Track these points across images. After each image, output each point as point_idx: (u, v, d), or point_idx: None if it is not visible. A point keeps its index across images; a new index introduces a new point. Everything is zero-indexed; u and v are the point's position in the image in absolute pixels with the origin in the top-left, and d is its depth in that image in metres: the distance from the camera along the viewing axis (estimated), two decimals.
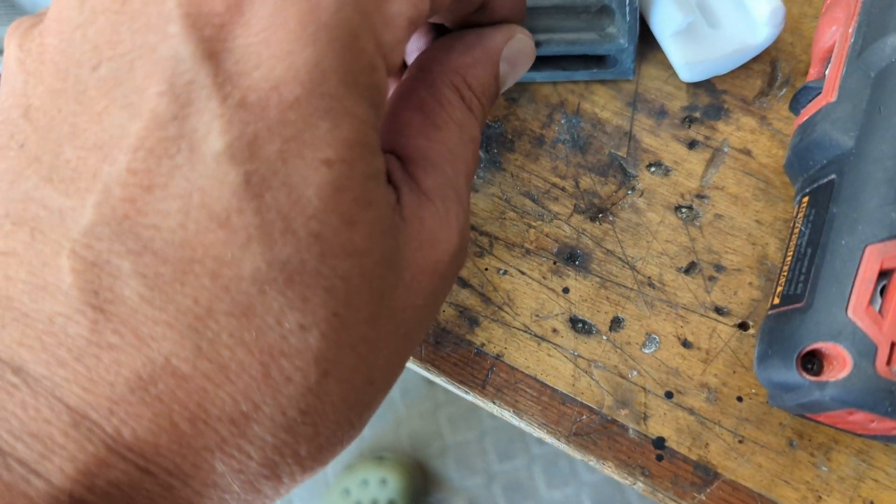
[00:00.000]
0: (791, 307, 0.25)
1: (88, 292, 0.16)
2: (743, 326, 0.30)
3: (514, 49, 0.26)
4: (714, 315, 0.30)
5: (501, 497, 1.28)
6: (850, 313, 0.23)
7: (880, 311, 0.23)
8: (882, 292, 0.23)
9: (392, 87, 0.29)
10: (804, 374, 0.23)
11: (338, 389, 0.18)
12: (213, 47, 0.16)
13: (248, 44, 0.16)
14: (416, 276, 0.20)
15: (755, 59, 0.33)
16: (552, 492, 1.27)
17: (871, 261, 0.23)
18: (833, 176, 0.25)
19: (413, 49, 0.29)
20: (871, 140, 0.24)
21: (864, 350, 0.22)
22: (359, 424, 0.20)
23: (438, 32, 0.29)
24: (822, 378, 0.23)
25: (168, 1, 0.16)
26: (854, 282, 0.23)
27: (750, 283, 0.31)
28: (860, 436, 0.26)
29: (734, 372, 0.30)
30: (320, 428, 0.19)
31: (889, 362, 0.22)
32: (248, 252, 0.16)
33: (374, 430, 1.32)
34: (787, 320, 0.25)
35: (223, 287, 0.16)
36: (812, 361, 0.24)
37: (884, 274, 0.23)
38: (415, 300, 0.20)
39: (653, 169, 0.32)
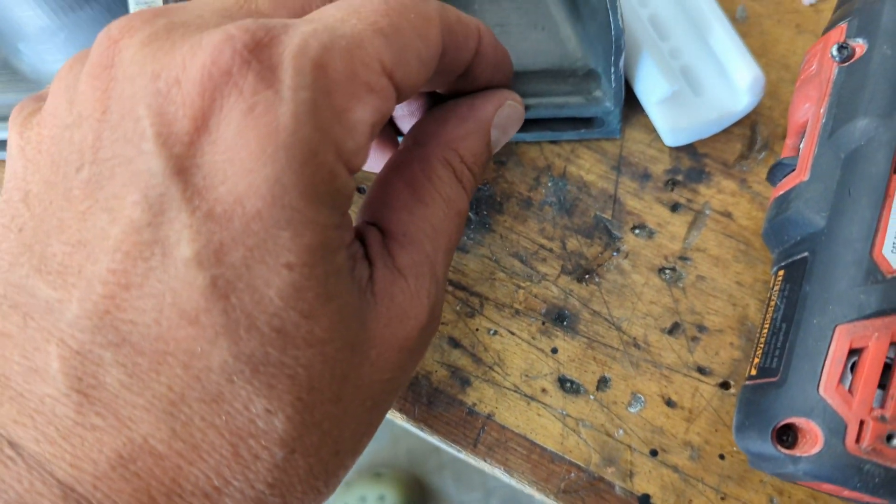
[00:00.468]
0: (767, 380, 0.26)
1: (73, 378, 0.18)
2: (724, 386, 0.31)
3: (504, 115, 0.27)
4: (697, 375, 0.32)
5: None
6: (821, 391, 0.24)
7: (850, 389, 0.24)
8: (853, 368, 0.24)
9: (384, 156, 0.30)
10: (779, 447, 0.24)
11: (304, 463, 0.20)
12: (182, 164, 0.18)
13: (214, 161, 0.18)
14: (383, 353, 0.22)
15: (735, 123, 0.34)
16: None
17: (841, 340, 0.24)
18: (806, 253, 0.26)
19: (405, 113, 0.30)
20: (841, 222, 0.25)
21: (835, 427, 0.23)
22: (326, 490, 0.22)
23: (431, 99, 0.30)
24: (796, 452, 0.24)
25: (142, 119, 0.18)
26: (825, 360, 0.24)
27: (731, 344, 0.32)
28: (837, 497, 0.27)
29: (716, 430, 0.31)
30: (288, 498, 0.20)
31: (858, 440, 0.23)
32: (216, 347, 0.18)
33: (372, 446, 1.32)
34: (763, 393, 0.26)
35: (194, 377, 0.18)
36: (787, 434, 0.25)
37: (853, 352, 0.24)
38: (381, 375, 0.22)
39: (637, 231, 0.33)
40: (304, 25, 0.19)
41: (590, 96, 0.33)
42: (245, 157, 0.18)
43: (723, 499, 0.30)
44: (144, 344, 0.18)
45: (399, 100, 0.22)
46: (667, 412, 0.31)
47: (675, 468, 0.31)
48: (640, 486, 0.31)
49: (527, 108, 0.32)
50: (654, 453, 0.31)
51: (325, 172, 0.19)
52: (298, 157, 0.18)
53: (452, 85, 0.27)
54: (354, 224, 0.25)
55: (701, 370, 0.32)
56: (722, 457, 0.31)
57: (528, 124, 0.34)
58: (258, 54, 0.18)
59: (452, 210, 0.25)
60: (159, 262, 0.18)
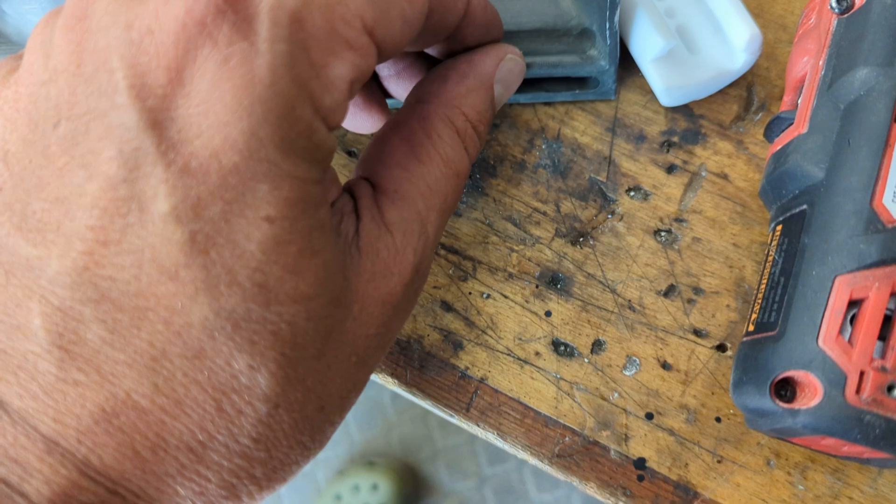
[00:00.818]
0: (765, 335, 0.25)
1: (55, 334, 0.18)
2: (721, 348, 0.31)
3: (506, 70, 0.27)
4: (693, 337, 0.31)
5: (492, 500, 1.29)
6: (820, 342, 0.23)
7: (850, 340, 0.23)
8: (852, 321, 0.24)
9: (370, 116, 0.29)
10: (777, 401, 0.24)
11: (288, 418, 0.20)
12: (156, 116, 0.17)
13: (189, 114, 0.17)
14: (367, 308, 0.22)
15: (731, 84, 0.33)
16: (542, 495, 1.28)
17: (841, 291, 0.23)
18: (805, 206, 0.26)
19: (392, 74, 0.29)
20: (840, 172, 0.25)
21: (835, 379, 0.23)
22: (313, 445, 0.22)
23: (421, 60, 0.30)
24: (795, 405, 0.24)
25: (115, 71, 0.18)
26: (825, 312, 0.24)
27: (727, 306, 0.31)
28: (835, 456, 0.27)
29: (713, 393, 0.30)
30: (273, 452, 0.20)
31: (858, 391, 0.23)
32: (197, 302, 0.18)
33: (365, 435, 1.32)
34: (760, 348, 0.25)
35: (175, 332, 0.18)
36: (785, 388, 0.24)
37: (853, 303, 0.24)
38: (366, 330, 0.22)
39: (632, 193, 0.33)
40: None
41: (584, 55, 0.32)
42: (220, 109, 0.17)
43: (719, 461, 0.30)
44: (124, 300, 0.18)
45: (381, 59, 0.21)
46: (662, 375, 0.31)
47: (670, 431, 0.30)
48: (636, 449, 0.30)
49: None
50: (649, 416, 0.30)
51: (303, 126, 0.19)
52: (275, 111, 0.18)
53: (441, 46, 0.27)
54: (349, 179, 0.24)
55: (697, 332, 0.31)
56: (718, 419, 0.30)
57: (522, 85, 0.34)
58: (234, 4, 0.18)
59: (451, 170, 0.24)
60: (136, 217, 0.18)
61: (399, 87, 0.29)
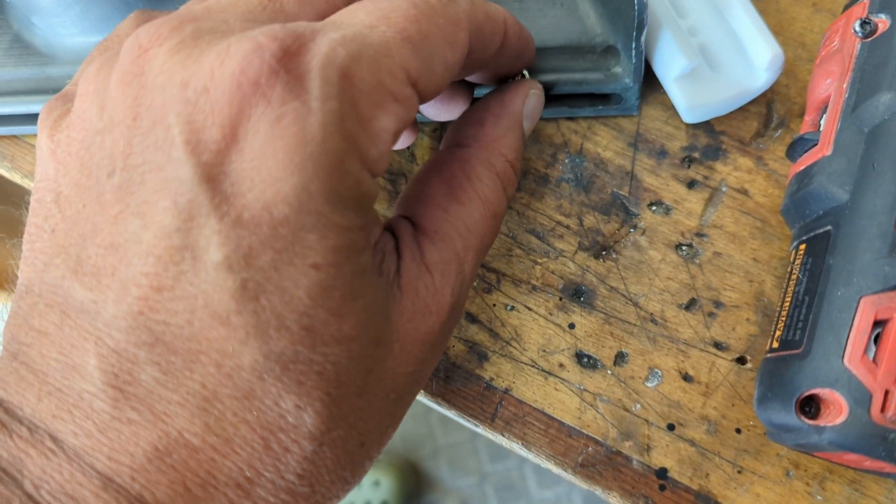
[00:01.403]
0: (790, 352, 0.26)
1: (110, 374, 0.19)
2: (741, 361, 0.32)
3: (531, 106, 0.29)
4: (713, 350, 0.32)
5: (494, 497, 1.30)
6: (846, 361, 0.24)
7: (874, 359, 0.24)
8: (876, 340, 0.24)
9: (453, 105, 0.30)
10: (803, 417, 0.25)
11: (331, 455, 0.21)
12: (210, 171, 0.18)
13: (242, 169, 0.18)
14: (406, 347, 0.22)
15: (751, 101, 0.34)
16: (543, 491, 1.29)
17: (866, 312, 0.24)
18: (829, 227, 0.26)
19: (440, 99, 0.30)
20: (866, 195, 0.25)
21: (860, 397, 0.24)
22: (353, 479, 0.23)
23: (460, 83, 0.30)
24: (820, 422, 0.24)
25: (172, 127, 0.18)
26: (850, 331, 0.24)
27: (747, 319, 0.32)
28: (855, 469, 0.28)
29: (733, 405, 0.31)
30: (316, 487, 0.21)
31: (883, 409, 0.23)
32: (247, 346, 0.19)
33: None
34: (786, 365, 0.26)
35: (226, 375, 0.19)
36: (810, 405, 0.25)
37: (878, 323, 0.24)
38: (404, 368, 0.23)
39: (654, 208, 0.34)
40: (332, 32, 0.19)
41: (608, 72, 0.33)
42: (272, 166, 0.18)
43: (739, 472, 0.31)
44: (178, 343, 0.19)
45: (423, 102, 0.22)
46: (684, 387, 0.32)
47: (692, 442, 0.31)
48: (658, 459, 0.31)
49: (545, 84, 0.32)
50: (671, 427, 0.31)
51: (351, 180, 0.19)
52: (325, 167, 0.18)
53: (477, 75, 0.28)
54: (391, 217, 0.25)
55: (717, 345, 0.32)
56: (739, 431, 0.31)
57: (547, 101, 0.34)
58: (286, 63, 0.18)
59: (489, 212, 0.25)
60: (190, 265, 0.18)
61: (431, 108, 0.30)
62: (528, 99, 0.28)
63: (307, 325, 0.19)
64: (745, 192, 0.33)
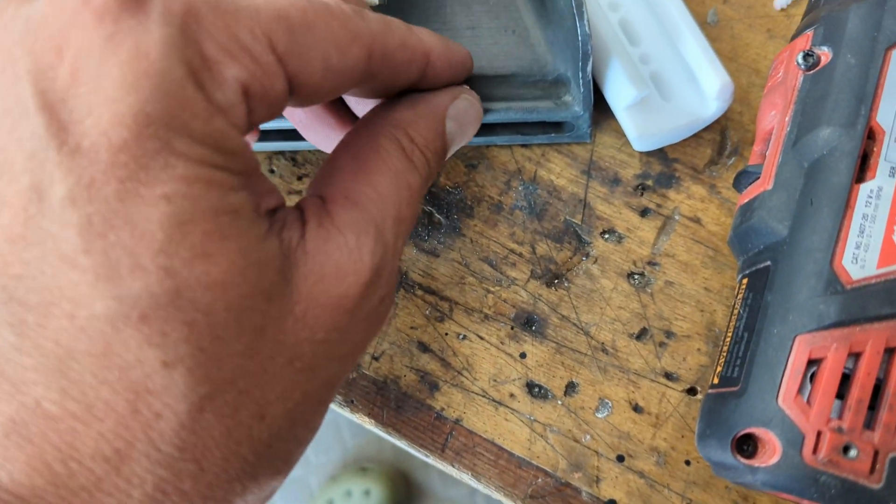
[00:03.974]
0: (728, 389, 0.26)
1: None
2: (691, 392, 0.31)
3: (460, 108, 0.27)
4: (664, 380, 0.32)
5: None
6: (780, 401, 0.24)
7: (808, 399, 0.24)
8: (812, 378, 0.24)
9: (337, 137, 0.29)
10: (738, 456, 0.24)
11: (218, 425, 0.19)
12: (48, 99, 0.17)
13: (79, 93, 0.17)
14: (312, 309, 0.20)
15: (705, 128, 0.34)
16: None
17: (801, 351, 0.24)
18: (769, 262, 0.26)
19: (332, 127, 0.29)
20: (803, 231, 0.25)
21: (793, 438, 0.23)
22: (256, 460, 0.20)
23: None
24: (755, 462, 0.24)
25: (18, 60, 0.17)
26: (784, 370, 0.24)
27: (698, 350, 0.32)
28: None
29: (682, 436, 0.31)
30: (204, 464, 0.19)
31: (815, 451, 0.23)
32: (98, 290, 0.17)
33: (358, 440, 1.32)
34: (724, 402, 0.26)
35: (79, 328, 0.17)
36: (747, 443, 0.25)
37: (813, 362, 0.24)
38: (312, 333, 0.20)
39: (606, 236, 0.33)
40: None
41: (559, 101, 0.33)
42: (108, 86, 0.17)
43: None
44: (30, 297, 0.17)
45: (302, 96, 0.21)
46: (634, 418, 0.31)
47: (641, 474, 0.31)
48: (607, 491, 0.31)
49: (496, 111, 0.32)
50: (620, 459, 0.31)
51: (196, 109, 0.18)
52: (163, 87, 0.17)
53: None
54: (299, 199, 0.24)
55: (668, 376, 0.32)
56: (688, 462, 0.31)
57: (499, 128, 0.34)
58: None
59: (401, 181, 0.24)
60: (37, 207, 0.17)
61: (319, 126, 0.29)
62: (456, 100, 0.26)
63: (165, 265, 0.17)
64: (697, 220, 0.33)
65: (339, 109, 0.29)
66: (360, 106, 0.29)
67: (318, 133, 0.29)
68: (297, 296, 0.20)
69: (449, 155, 0.27)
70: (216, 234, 0.18)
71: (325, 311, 0.21)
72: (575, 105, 0.32)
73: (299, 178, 0.35)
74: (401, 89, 0.25)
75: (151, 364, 0.17)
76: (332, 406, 0.34)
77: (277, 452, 0.21)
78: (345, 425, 1.33)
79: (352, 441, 1.32)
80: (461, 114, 0.27)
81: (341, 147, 0.25)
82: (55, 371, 0.17)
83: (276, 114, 0.21)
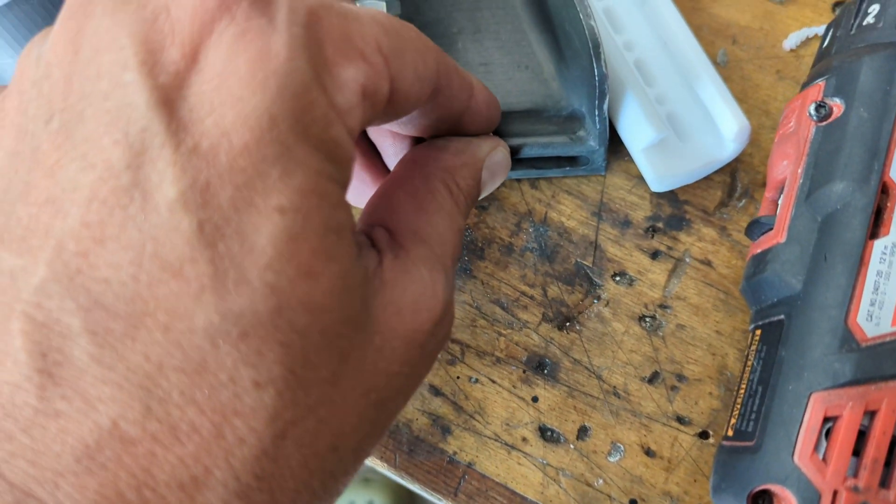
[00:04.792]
0: (743, 443, 0.26)
1: (37, 355, 0.16)
2: (703, 436, 0.32)
3: (495, 160, 0.27)
4: (676, 424, 0.32)
5: None
6: (796, 459, 0.24)
7: (824, 457, 0.24)
8: (827, 434, 0.24)
9: (373, 188, 0.29)
10: None
11: (297, 454, 0.18)
12: (168, 95, 0.16)
13: (202, 91, 0.16)
14: (391, 342, 0.20)
15: (716, 171, 0.34)
16: None
17: (816, 409, 0.24)
18: (783, 316, 0.26)
19: (395, 152, 0.30)
20: (817, 287, 0.25)
21: (809, 497, 0.24)
22: (324, 494, 0.19)
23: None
24: None
25: (125, 48, 0.16)
26: (800, 428, 0.24)
27: (710, 393, 0.32)
28: None
29: (695, 480, 0.31)
30: (277, 495, 0.17)
31: None
32: (201, 303, 0.16)
33: None
34: (738, 457, 0.26)
35: (175, 342, 0.16)
36: (763, 498, 0.25)
37: (828, 419, 0.24)
38: (388, 366, 0.20)
39: (617, 279, 0.33)
40: None
41: (574, 136, 0.33)
42: (234, 84, 0.16)
43: None
44: (119, 305, 0.15)
45: (394, 106, 0.21)
46: (646, 462, 0.32)
47: None
48: None
49: (512, 148, 0.32)
50: (633, 503, 0.31)
51: (318, 113, 0.17)
52: (290, 88, 0.17)
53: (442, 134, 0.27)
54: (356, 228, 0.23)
55: (680, 419, 0.32)
56: None
57: (514, 162, 0.34)
58: None
59: (454, 223, 0.24)
60: (139, 207, 0.16)
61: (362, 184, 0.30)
62: (494, 151, 0.27)
63: (271, 283, 0.16)
64: (708, 262, 0.33)
65: (374, 161, 0.30)
66: (394, 153, 0.29)
67: (353, 188, 0.29)
68: (377, 326, 0.19)
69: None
70: (323, 253, 0.17)
71: (401, 343, 0.20)
72: (590, 140, 0.32)
73: None
74: (449, 122, 0.26)
75: (244, 384, 0.16)
76: None
77: (338, 484, 0.20)
78: None
79: None
80: (495, 165, 0.27)
81: (394, 181, 0.24)
82: (140, 388, 0.16)
83: (376, 122, 0.21)
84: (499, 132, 0.33)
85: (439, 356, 0.33)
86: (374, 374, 0.19)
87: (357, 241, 0.20)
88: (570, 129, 0.33)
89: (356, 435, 0.19)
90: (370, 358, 0.19)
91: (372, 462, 0.33)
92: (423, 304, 0.21)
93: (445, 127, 0.26)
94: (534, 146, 0.33)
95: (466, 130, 0.27)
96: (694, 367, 0.32)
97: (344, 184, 0.19)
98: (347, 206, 0.19)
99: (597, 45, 0.29)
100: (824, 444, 0.24)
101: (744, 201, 0.34)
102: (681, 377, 0.32)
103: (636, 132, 0.32)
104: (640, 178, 0.34)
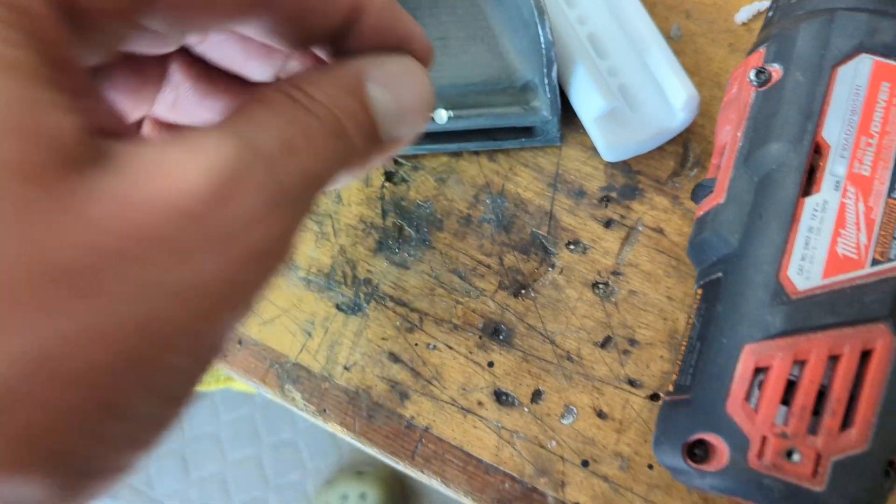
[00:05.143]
0: (681, 397, 0.27)
1: None
2: (654, 398, 0.32)
3: (388, 71, 0.21)
4: (627, 387, 0.33)
5: None
6: (728, 408, 0.25)
7: (755, 406, 0.25)
8: (760, 386, 0.25)
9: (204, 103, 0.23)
10: (689, 462, 0.25)
11: None
12: None
13: None
14: (116, 210, 0.15)
15: (669, 141, 0.35)
16: None
17: (748, 360, 0.25)
18: (720, 274, 0.27)
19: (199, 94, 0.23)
20: (752, 244, 0.26)
21: (739, 443, 0.24)
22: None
23: None
24: (704, 467, 0.25)
25: None
26: (732, 379, 0.25)
27: (661, 357, 0.33)
28: None
29: (645, 441, 0.32)
30: None
31: (760, 456, 0.24)
32: None
33: (353, 445, 1.33)
34: (677, 409, 0.27)
35: None
36: (699, 448, 0.26)
37: (760, 370, 0.25)
38: (110, 242, 0.15)
39: (572, 247, 0.34)
40: None
41: (528, 106, 0.34)
42: None
43: None
44: None
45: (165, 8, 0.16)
46: (598, 424, 0.32)
47: (605, 478, 0.32)
48: (572, 495, 0.32)
49: (468, 118, 0.33)
50: (585, 464, 0.32)
51: None
52: None
53: (326, 51, 0.22)
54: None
55: (632, 382, 0.33)
56: (651, 467, 0.32)
57: (472, 134, 0.35)
58: None
59: (290, 117, 0.18)
60: None
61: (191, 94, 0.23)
62: (383, 64, 0.21)
63: None
64: (660, 230, 0.34)
65: (230, 85, 0.24)
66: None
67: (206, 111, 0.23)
68: (96, 193, 0.15)
69: (397, 136, 0.22)
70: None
71: (142, 214, 0.15)
72: (543, 110, 0.33)
73: None
74: (316, 36, 0.20)
75: None
76: (309, 416, 0.35)
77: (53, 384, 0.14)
78: None
79: (347, 445, 1.33)
80: (392, 79, 0.21)
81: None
82: None
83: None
84: (455, 104, 0.34)
85: (396, 324, 0.34)
86: (76, 253, 0.14)
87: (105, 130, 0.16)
88: (524, 100, 0.34)
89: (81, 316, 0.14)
90: (69, 231, 0.14)
91: (332, 428, 0.34)
92: (188, 165, 0.16)
93: (320, 38, 0.21)
94: (489, 117, 0.34)
95: (361, 42, 0.21)
96: (645, 332, 0.33)
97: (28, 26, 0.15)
98: (31, 49, 0.15)
99: (541, 12, 0.30)
100: (756, 393, 0.25)
101: (696, 171, 0.35)
102: (633, 341, 0.33)
103: (587, 102, 0.33)
104: (595, 150, 0.35)
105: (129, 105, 0.21)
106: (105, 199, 0.14)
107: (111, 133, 0.16)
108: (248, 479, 1.33)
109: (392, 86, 0.21)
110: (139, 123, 0.23)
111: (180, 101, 0.22)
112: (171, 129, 0.23)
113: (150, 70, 0.21)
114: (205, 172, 0.15)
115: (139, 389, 0.15)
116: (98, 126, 0.16)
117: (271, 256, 0.17)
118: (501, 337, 0.34)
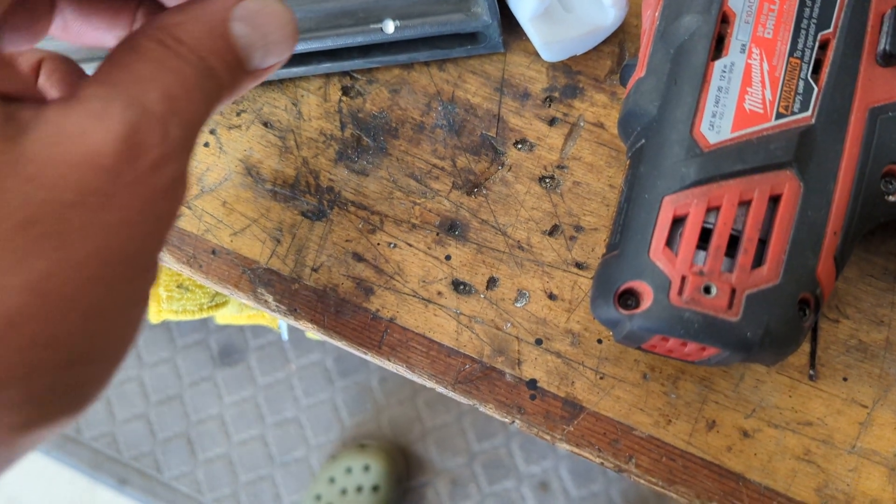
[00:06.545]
0: (611, 254, 0.29)
1: None
2: None
3: (252, 9, 0.22)
4: (575, 270, 0.35)
5: (482, 475, 1.33)
6: (651, 255, 0.27)
7: (676, 251, 0.27)
8: (681, 235, 0.27)
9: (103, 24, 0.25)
10: (619, 309, 0.27)
11: None
12: None
13: None
14: (51, 168, 0.18)
15: (605, 42, 0.37)
16: (531, 466, 1.32)
17: (666, 209, 0.27)
18: (643, 141, 0.29)
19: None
20: (668, 108, 0.28)
21: (661, 284, 0.26)
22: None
23: None
24: (632, 312, 0.27)
25: None
26: (654, 228, 0.27)
27: (605, 240, 0.35)
28: (694, 363, 0.30)
29: (593, 318, 0.34)
30: None
31: (680, 293, 0.26)
32: None
33: (356, 419, 1.36)
34: (608, 266, 0.29)
35: None
36: (630, 296, 0.28)
37: (680, 220, 0.27)
38: (55, 195, 0.18)
39: (519, 146, 0.36)
40: None
41: (469, 13, 0.36)
42: None
43: (601, 378, 0.34)
44: None
45: None
46: (549, 305, 0.34)
47: (558, 354, 0.34)
48: (528, 372, 0.34)
49: (412, 27, 0.35)
50: (539, 342, 0.34)
51: None
52: None
53: None
54: None
55: (579, 265, 0.35)
56: (599, 341, 0.34)
57: (419, 44, 0.37)
58: None
59: (166, 66, 0.21)
60: None
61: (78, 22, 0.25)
62: (245, 1, 0.22)
63: None
64: (601, 125, 0.36)
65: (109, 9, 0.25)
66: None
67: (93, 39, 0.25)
68: (29, 156, 0.18)
69: (263, 66, 0.24)
70: None
71: (70, 169, 0.18)
72: (484, 15, 0.35)
73: (238, 115, 0.38)
74: None
75: None
76: (280, 316, 0.37)
77: (38, 340, 0.18)
78: (342, 405, 1.36)
79: (350, 420, 1.35)
80: (255, 15, 0.22)
81: (108, 57, 0.22)
82: None
83: None
84: (398, 15, 0.36)
85: (359, 227, 0.36)
86: (29, 205, 0.18)
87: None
88: (465, 6, 0.36)
89: (26, 273, 0.18)
90: (17, 188, 0.18)
91: (303, 325, 0.36)
92: (93, 128, 0.19)
93: None
94: (432, 25, 0.36)
95: None
96: (590, 218, 0.35)
97: None
98: None
99: None
100: (677, 241, 0.27)
101: None
102: (578, 228, 0.35)
103: (522, 2, 0.35)
104: (538, 55, 0.37)
105: (26, 41, 0.24)
106: (38, 162, 0.18)
107: (16, 96, 0.19)
108: (253, 458, 1.36)
109: (254, 21, 0.23)
110: (37, 67, 0.25)
111: (69, 25, 0.24)
112: (65, 74, 0.26)
113: (40, 4, 0.23)
114: (111, 137, 0.19)
115: (113, 303, 0.19)
116: (3, 91, 0.19)
117: (175, 188, 0.21)
118: (457, 232, 0.36)
